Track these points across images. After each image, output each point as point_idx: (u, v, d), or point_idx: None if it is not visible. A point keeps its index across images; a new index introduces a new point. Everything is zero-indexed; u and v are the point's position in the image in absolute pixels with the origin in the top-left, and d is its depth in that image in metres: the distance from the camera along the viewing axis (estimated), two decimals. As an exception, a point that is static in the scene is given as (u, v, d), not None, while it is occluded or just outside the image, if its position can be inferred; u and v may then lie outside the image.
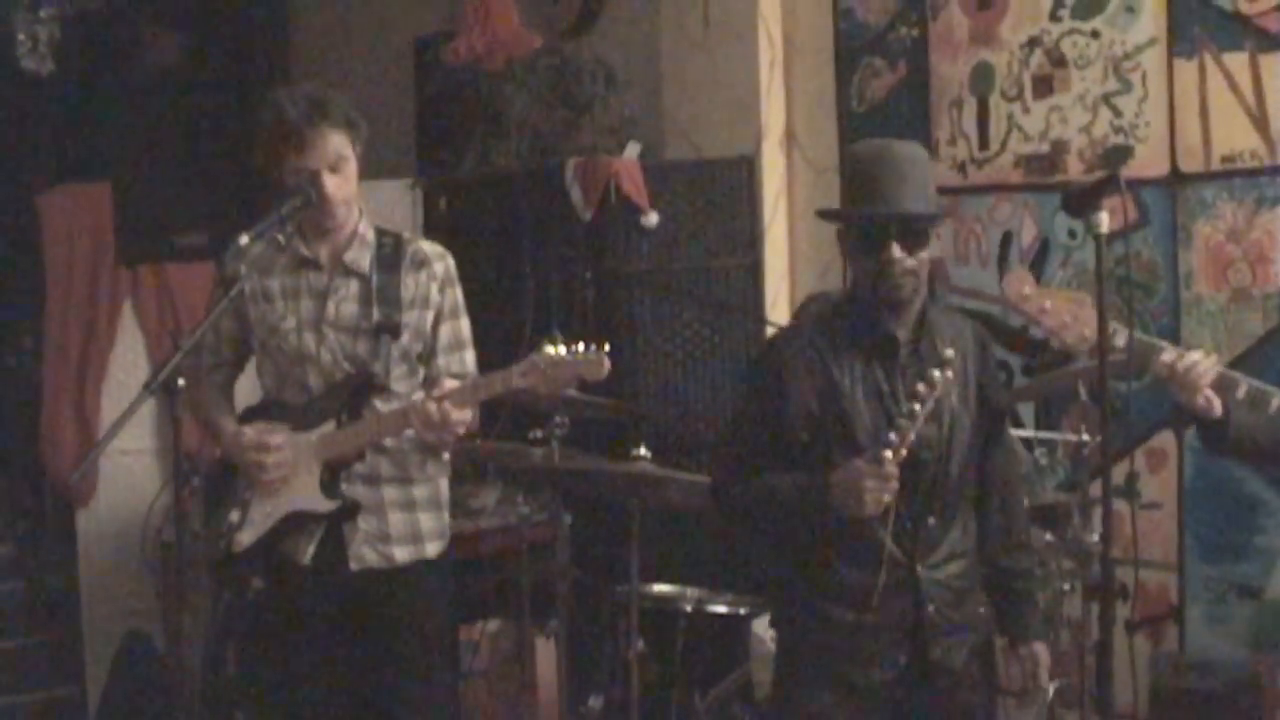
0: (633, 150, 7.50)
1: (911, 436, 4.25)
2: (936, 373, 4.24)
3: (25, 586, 8.61)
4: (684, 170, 7.50)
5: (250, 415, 5.16)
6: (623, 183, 7.16)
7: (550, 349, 4.69)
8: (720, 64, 7.62)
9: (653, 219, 7.20)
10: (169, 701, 7.08)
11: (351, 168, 4.96)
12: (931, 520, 4.47)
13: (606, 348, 4.70)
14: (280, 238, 4.93)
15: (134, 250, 7.29)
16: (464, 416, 4.85)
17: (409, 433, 4.96)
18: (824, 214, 4.83)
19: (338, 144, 4.89)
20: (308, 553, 5.03)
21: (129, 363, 7.74)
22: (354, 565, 5.03)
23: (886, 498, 4.29)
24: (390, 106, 8.77)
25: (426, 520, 5.13)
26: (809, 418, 4.49)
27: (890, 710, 4.57)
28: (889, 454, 4.24)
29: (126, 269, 7.64)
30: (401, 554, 5.06)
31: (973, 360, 4.58)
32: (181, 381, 4.44)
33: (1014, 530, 4.72)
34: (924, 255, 4.46)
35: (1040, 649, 4.69)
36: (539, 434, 6.28)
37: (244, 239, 4.75)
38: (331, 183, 4.89)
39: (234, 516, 5.13)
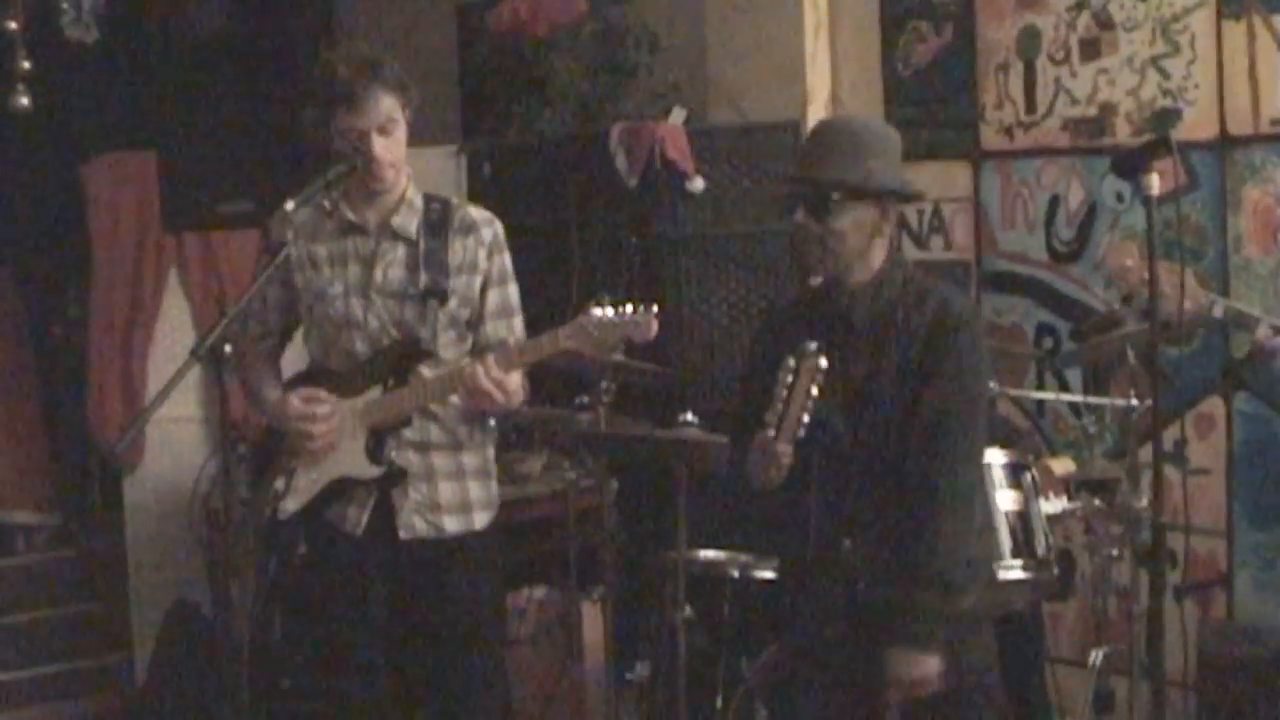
0: (678, 116, 7.49)
1: (796, 417, 4.25)
2: (792, 360, 4.24)
3: (73, 555, 8.65)
4: (729, 135, 7.48)
5: (297, 382, 5.15)
6: (667, 148, 7.15)
7: (597, 310, 4.66)
8: (765, 28, 7.60)
9: (698, 184, 7.20)
10: (216, 668, 7.10)
11: (401, 131, 4.94)
12: (850, 497, 4.46)
13: (655, 309, 4.66)
14: (326, 203, 4.93)
15: (179, 218, 7.29)
16: (511, 382, 4.83)
17: (455, 399, 4.96)
18: (782, 179, 4.84)
19: (388, 106, 4.87)
20: (361, 522, 5.02)
21: (175, 330, 7.76)
22: (403, 534, 5.01)
23: (774, 473, 4.35)
24: (435, 73, 8.76)
25: (475, 489, 5.12)
26: (766, 391, 4.48)
27: (843, 673, 4.55)
28: (770, 433, 4.28)
29: (172, 237, 7.65)
30: (451, 524, 5.05)
31: (920, 342, 4.46)
32: (228, 348, 4.43)
33: (909, 529, 4.43)
34: (838, 225, 4.45)
35: (893, 655, 4.40)
36: (585, 400, 6.28)
37: (290, 205, 4.72)
38: (380, 144, 4.87)
39: (279, 484, 5.13)
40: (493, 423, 5.23)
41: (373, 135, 4.86)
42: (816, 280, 4.54)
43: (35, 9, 7.42)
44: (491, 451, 5.25)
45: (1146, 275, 4.41)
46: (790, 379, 4.24)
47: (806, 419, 4.26)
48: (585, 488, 6.80)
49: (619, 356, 6.22)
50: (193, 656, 7.24)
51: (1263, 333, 4.74)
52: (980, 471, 4.67)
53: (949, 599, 4.36)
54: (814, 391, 4.23)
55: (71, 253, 8.24)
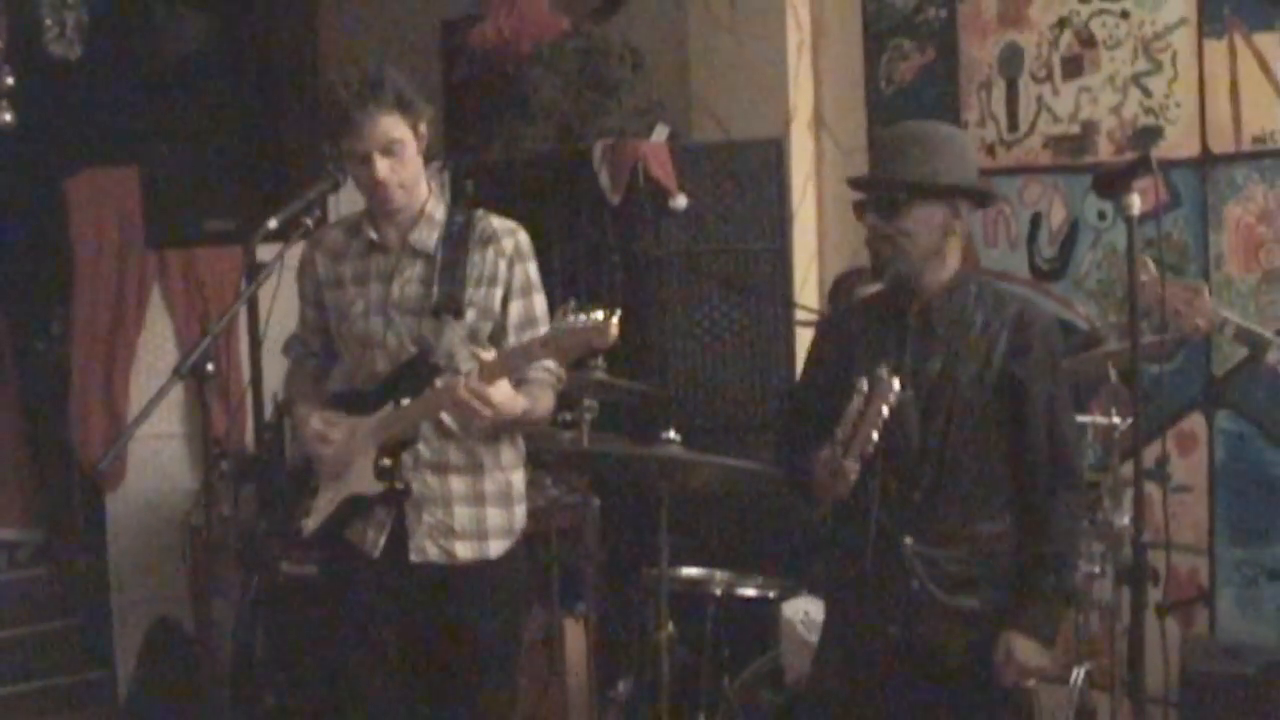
0: (660, 133, 7.49)
1: (866, 436, 4.30)
2: (865, 383, 4.27)
3: (55, 571, 8.64)
4: (712, 153, 7.49)
5: (330, 403, 5.11)
6: (651, 166, 7.16)
7: (570, 317, 4.56)
8: (748, 46, 7.61)
9: (681, 202, 7.20)
10: (198, 685, 7.09)
11: (409, 150, 4.86)
12: (916, 495, 4.51)
13: (618, 313, 4.53)
14: (308, 223, 4.89)
15: (162, 234, 7.28)
16: (497, 393, 4.69)
17: (479, 424, 4.89)
18: (849, 181, 4.89)
19: (387, 126, 4.79)
20: (379, 544, 4.95)
21: (157, 347, 7.76)
22: (414, 557, 4.93)
23: (841, 489, 4.39)
24: (418, 90, 8.76)
25: (494, 516, 5.02)
26: (833, 388, 4.56)
27: (887, 688, 4.60)
28: (839, 450, 4.34)
29: (154, 253, 7.64)
30: (464, 550, 4.96)
31: (1003, 344, 4.54)
32: (210, 366, 4.43)
33: (1032, 519, 4.60)
34: (906, 224, 4.51)
35: (1014, 640, 4.50)
36: (568, 417, 6.28)
37: (272, 222, 4.71)
38: (383, 166, 4.80)
39: (307, 503, 5.12)
40: (521, 445, 5.17)
41: (375, 158, 4.79)
42: (874, 286, 4.63)
43: (18, 25, 7.41)
44: (518, 475, 5.14)
45: (1160, 291, 4.43)
46: (862, 401, 4.27)
47: (875, 437, 4.30)
48: (568, 505, 6.80)
49: (602, 375, 6.24)
50: (174, 674, 7.23)
51: (1273, 355, 4.76)
52: None
53: (1062, 581, 4.54)
54: (885, 413, 4.27)
55: (54, 269, 8.23)
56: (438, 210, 5.01)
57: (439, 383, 4.85)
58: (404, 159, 4.86)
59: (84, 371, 7.81)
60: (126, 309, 7.74)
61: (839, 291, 6.43)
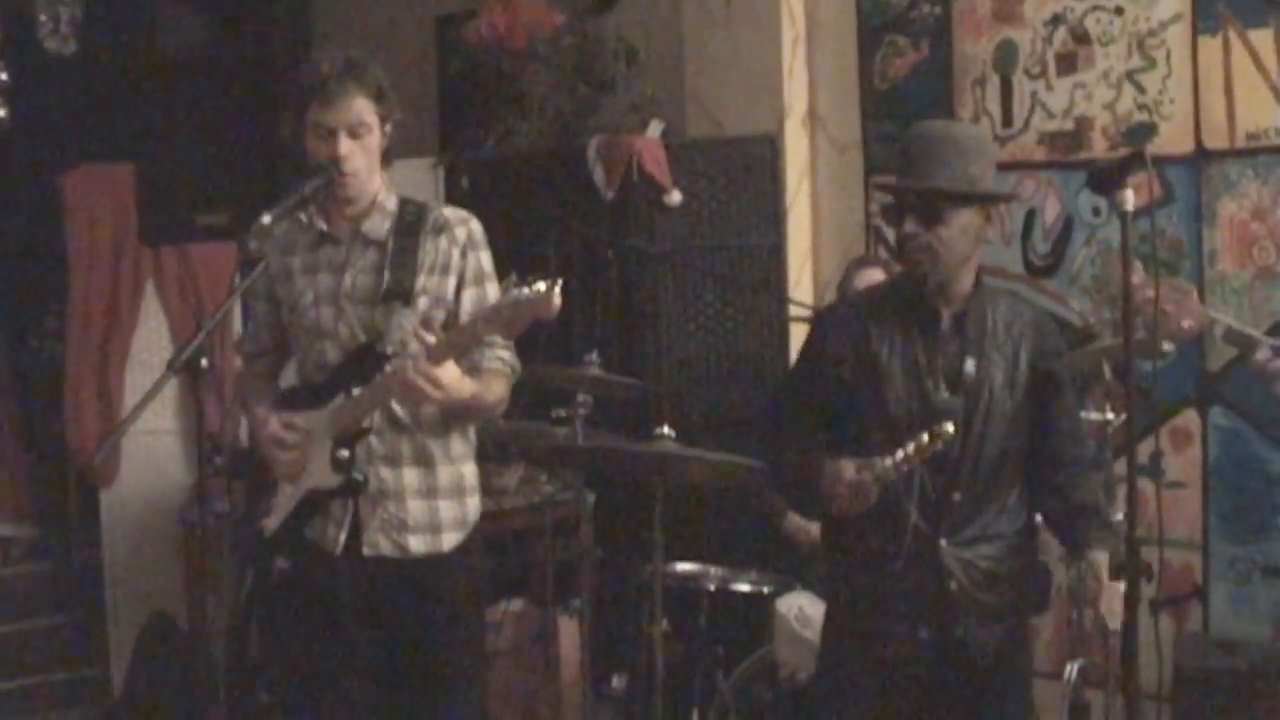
0: (655, 129, 7.49)
1: (899, 470, 4.35)
2: (949, 427, 4.28)
3: (49, 567, 8.64)
4: (706, 149, 7.49)
5: (282, 400, 5.10)
6: (645, 162, 7.15)
7: (514, 291, 4.44)
8: (742, 42, 7.61)
9: (675, 198, 7.19)
10: (193, 681, 7.09)
11: (372, 139, 4.85)
12: (957, 496, 4.50)
13: (559, 284, 4.42)
14: (303, 216, 4.89)
15: (156, 230, 7.29)
16: (446, 374, 4.65)
17: (429, 409, 4.88)
18: (877, 185, 4.88)
19: (361, 108, 4.78)
20: (339, 541, 4.93)
21: (151, 343, 7.76)
22: (367, 551, 4.92)
23: (857, 508, 4.42)
24: (412, 86, 8.77)
25: (446, 508, 5.00)
26: (841, 384, 4.58)
27: (915, 690, 4.61)
28: (869, 476, 4.37)
29: (149, 249, 7.65)
30: (416, 544, 4.94)
31: (1027, 346, 4.58)
32: (205, 362, 4.42)
33: (1071, 498, 4.69)
34: (945, 232, 4.48)
35: (1099, 555, 4.62)
36: (562, 413, 6.28)
37: (266, 218, 4.68)
38: (346, 145, 4.78)
39: (266, 502, 5.09)
40: (472, 436, 5.15)
41: (341, 134, 4.78)
42: (870, 273, 4.64)
43: (13, 21, 7.41)
44: (470, 468, 5.11)
45: (1150, 292, 4.43)
46: (914, 449, 4.29)
47: (906, 468, 4.35)
48: (562, 501, 6.81)
49: (596, 371, 6.24)
50: (169, 669, 7.23)
51: (1263, 355, 4.76)
52: None
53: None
54: (928, 457, 4.31)
55: (49, 264, 8.24)
56: (389, 200, 4.98)
57: (388, 368, 4.82)
58: (366, 146, 4.85)
59: (78, 367, 7.82)
60: (121, 305, 7.74)
61: (848, 280, 6.47)
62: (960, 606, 4.53)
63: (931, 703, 4.63)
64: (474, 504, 5.12)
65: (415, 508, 4.95)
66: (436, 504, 4.98)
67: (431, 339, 4.64)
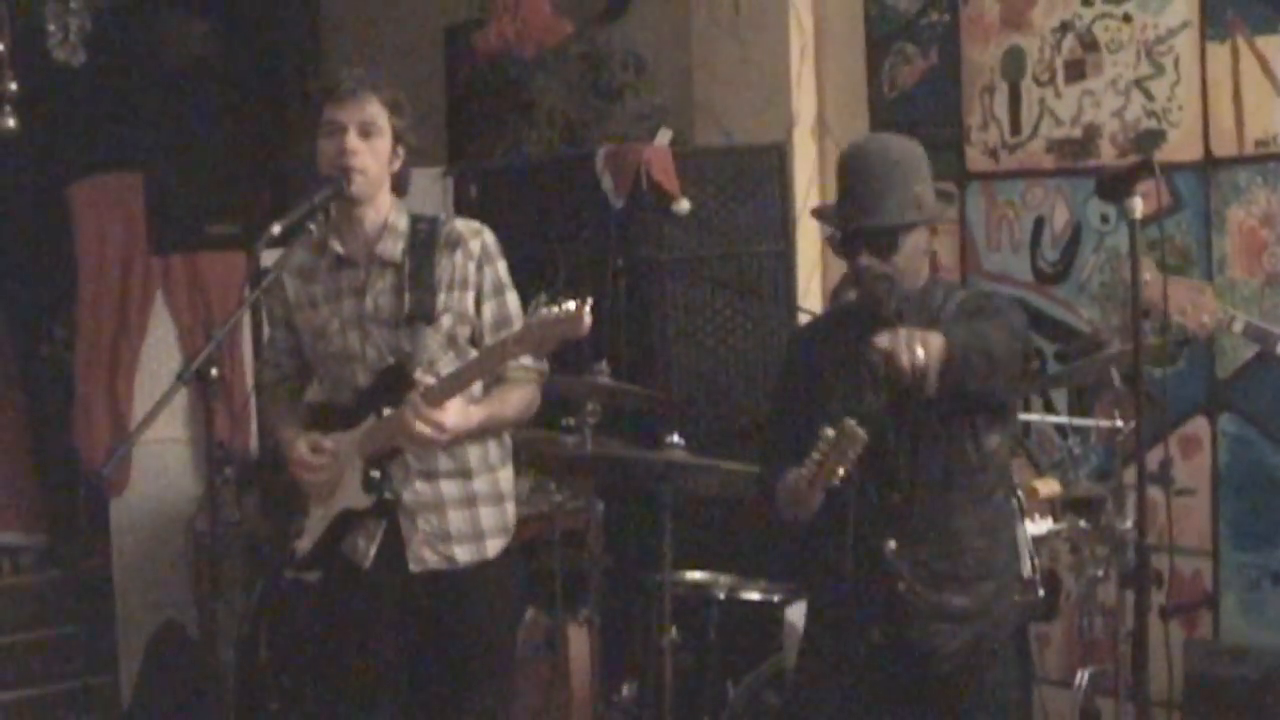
0: (663, 138, 7.49)
1: (832, 472, 4.30)
2: (851, 422, 4.23)
3: (59, 576, 8.65)
4: (715, 157, 7.49)
5: (310, 420, 5.10)
6: (654, 170, 7.15)
7: (543, 310, 4.51)
8: (751, 51, 7.61)
9: (684, 206, 7.19)
10: (202, 691, 7.09)
11: (382, 144, 4.85)
12: (896, 497, 4.50)
13: (589, 302, 4.49)
14: (313, 228, 4.87)
15: (165, 240, 7.28)
16: (451, 414, 4.72)
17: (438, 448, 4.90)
18: (814, 213, 4.87)
19: (374, 110, 4.80)
20: (369, 556, 4.94)
21: (161, 352, 7.78)
22: (414, 566, 4.93)
23: (804, 514, 4.44)
24: (421, 95, 8.74)
25: (488, 516, 5.01)
26: (805, 401, 4.63)
27: (873, 694, 4.60)
28: (804, 484, 4.35)
29: (158, 258, 7.66)
30: (463, 554, 4.96)
31: (950, 312, 4.56)
32: (214, 371, 4.42)
33: None
34: (900, 260, 4.50)
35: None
36: (571, 422, 6.28)
37: (276, 228, 4.68)
38: (354, 142, 4.78)
39: (297, 524, 5.10)
40: (509, 441, 5.15)
41: (350, 130, 4.78)
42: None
43: (22, 30, 7.41)
44: (506, 473, 5.13)
45: (1164, 289, 4.43)
46: (827, 448, 4.26)
47: (842, 472, 4.30)
48: (571, 509, 6.80)
49: (605, 379, 6.24)
50: (178, 678, 7.24)
51: None
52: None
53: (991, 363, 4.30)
54: (852, 457, 4.26)
55: (58, 274, 8.24)
56: (400, 220, 4.98)
57: (388, 413, 4.84)
58: (375, 149, 4.85)
59: (88, 377, 7.83)
60: (130, 314, 7.76)
61: (839, 295, 6.46)
62: (912, 607, 4.50)
63: (892, 707, 4.62)
64: (512, 509, 5.14)
65: (456, 518, 4.96)
66: (477, 511, 5.00)
67: (429, 381, 4.71)
